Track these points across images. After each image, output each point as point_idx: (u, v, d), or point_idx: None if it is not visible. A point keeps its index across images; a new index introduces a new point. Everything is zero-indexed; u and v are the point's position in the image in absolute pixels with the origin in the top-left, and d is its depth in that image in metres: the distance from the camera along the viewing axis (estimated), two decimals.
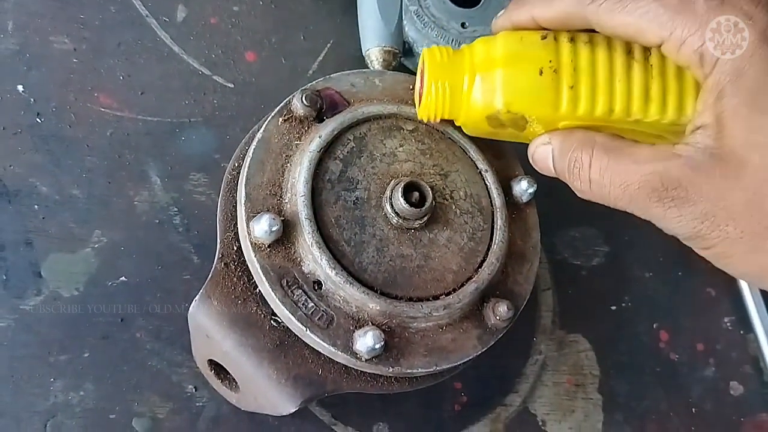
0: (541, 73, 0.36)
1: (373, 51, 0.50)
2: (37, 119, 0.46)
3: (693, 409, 0.52)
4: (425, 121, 0.40)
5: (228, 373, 0.40)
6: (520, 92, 0.36)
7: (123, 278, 0.44)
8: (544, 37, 0.37)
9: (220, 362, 0.39)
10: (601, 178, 0.35)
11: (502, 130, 0.39)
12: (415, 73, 0.51)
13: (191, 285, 0.44)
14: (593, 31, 0.36)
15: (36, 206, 0.44)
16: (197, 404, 0.43)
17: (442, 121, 0.40)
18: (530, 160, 0.39)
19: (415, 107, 0.42)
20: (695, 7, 0.33)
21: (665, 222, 0.34)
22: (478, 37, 0.52)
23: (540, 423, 0.49)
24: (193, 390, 0.43)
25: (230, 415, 0.43)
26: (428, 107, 0.39)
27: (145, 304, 0.44)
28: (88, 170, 0.45)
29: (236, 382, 0.40)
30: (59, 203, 0.44)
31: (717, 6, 0.33)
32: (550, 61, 0.36)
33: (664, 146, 0.35)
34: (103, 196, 0.45)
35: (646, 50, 0.36)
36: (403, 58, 0.52)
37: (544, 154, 0.38)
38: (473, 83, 0.37)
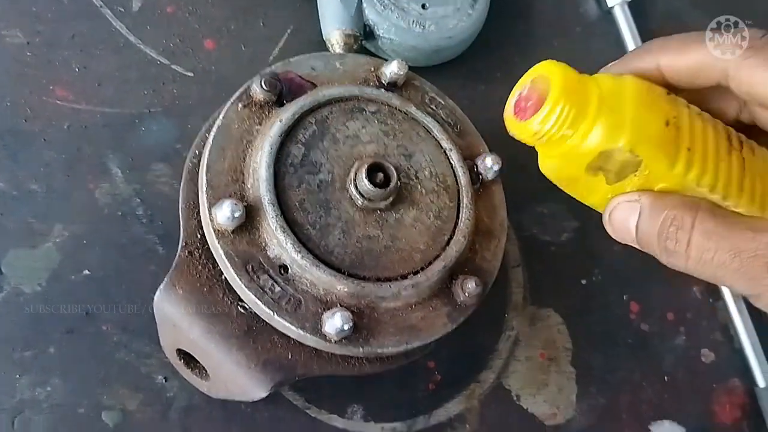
0: (667, 124, 0.34)
1: (334, 34, 0.49)
2: None
3: (666, 378, 0.52)
4: (516, 138, 0.37)
5: (197, 362, 0.40)
6: (647, 136, 0.34)
7: (86, 272, 0.43)
8: (669, 93, 0.35)
9: (188, 351, 0.39)
10: (707, 240, 0.33)
11: (584, 178, 0.36)
12: (376, 56, 0.51)
13: (157, 276, 0.43)
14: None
15: None
16: (168, 395, 0.43)
17: (407, 99, 0.39)
18: (605, 221, 0.37)
19: (375, 90, 0.42)
20: None
21: None
22: (440, 17, 0.53)
23: (515, 398, 0.49)
24: (163, 381, 0.43)
25: (202, 404, 0.43)
26: (545, 122, 0.35)
27: (110, 297, 0.43)
28: (46, 164, 0.45)
29: (206, 371, 0.40)
30: (17, 198, 0.44)
31: None
32: (674, 117, 0.34)
33: None
34: (62, 189, 0.45)
35: (740, 142, 0.35)
36: (364, 41, 0.51)
37: (627, 212, 0.36)
38: (600, 115, 0.34)
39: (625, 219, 0.36)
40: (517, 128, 0.36)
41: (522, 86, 0.37)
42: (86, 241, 0.44)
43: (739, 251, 0.32)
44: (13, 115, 0.45)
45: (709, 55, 0.34)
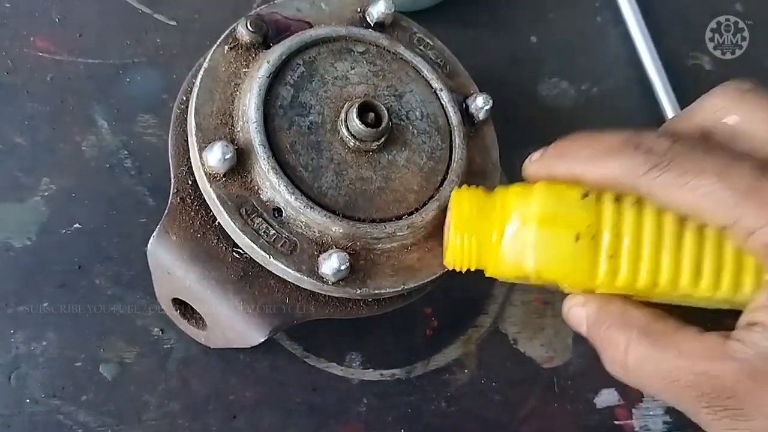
0: (577, 238, 0.32)
1: None
2: None
3: None
4: (450, 268, 0.37)
5: (194, 312, 0.39)
6: (553, 259, 0.33)
7: (77, 225, 0.43)
8: (585, 195, 0.32)
9: (184, 299, 0.38)
10: (639, 367, 0.31)
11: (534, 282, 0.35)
12: None
13: (148, 227, 0.42)
14: None
15: None
16: (165, 346, 0.42)
17: (395, 39, 0.38)
18: (563, 316, 0.36)
19: (362, 30, 0.42)
20: (766, 194, 0.29)
21: (715, 430, 0.30)
22: None
23: (512, 342, 0.49)
24: (160, 332, 0.42)
25: (200, 354, 0.43)
26: (454, 259, 0.36)
27: (101, 250, 0.43)
28: (30, 117, 0.44)
29: (203, 319, 0.39)
30: (3, 152, 0.43)
31: None
32: (589, 226, 0.32)
33: (714, 341, 0.30)
34: (48, 142, 0.44)
35: None
36: None
37: (577, 317, 0.34)
38: (502, 239, 0.34)
39: (578, 324, 0.35)
40: (446, 262, 0.37)
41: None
42: (75, 194, 0.43)
43: (671, 381, 0.31)
44: None
45: (619, 173, 0.31)
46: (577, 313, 0.34)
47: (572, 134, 0.34)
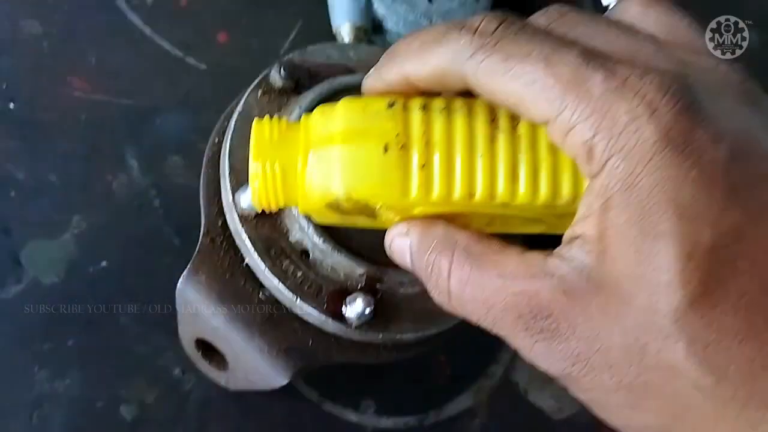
0: (386, 150, 0.29)
1: (344, 27, 0.50)
2: (10, 105, 0.45)
3: None
4: (258, 210, 0.34)
5: (216, 353, 0.39)
6: (361, 175, 0.29)
7: (104, 263, 0.43)
8: (391, 105, 0.30)
9: (209, 340, 0.39)
10: (462, 291, 0.29)
11: (354, 218, 0.31)
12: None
13: (174, 268, 0.42)
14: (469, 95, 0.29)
15: (12, 193, 0.43)
16: (185, 388, 0.43)
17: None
18: (387, 253, 0.33)
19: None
20: (590, 86, 0.25)
21: (532, 355, 0.28)
22: (446, 11, 0.53)
23: (522, 392, 0.49)
24: (180, 373, 0.43)
25: (219, 397, 0.43)
26: (259, 196, 0.32)
27: (127, 289, 0.43)
28: (63, 155, 0.45)
29: (225, 361, 0.39)
30: (36, 189, 0.44)
31: (617, 90, 0.25)
32: (397, 135, 0.29)
33: (534, 257, 0.28)
34: (80, 181, 0.45)
35: (513, 118, 0.29)
36: (372, 34, 0.52)
37: (401, 248, 0.31)
38: (307, 164, 0.30)
39: (402, 255, 0.32)
40: (253, 201, 0.33)
41: None
42: (104, 232, 0.44)
43: (490, 305, 0.28)
44: (31, 105, 0.45)
45: (446, 59, 0.28)
46: (400, 243, 0.31)
47: None
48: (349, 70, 0.43)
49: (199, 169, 0.41)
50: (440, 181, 0.29)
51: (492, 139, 0.29)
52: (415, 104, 0.30)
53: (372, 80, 0.32)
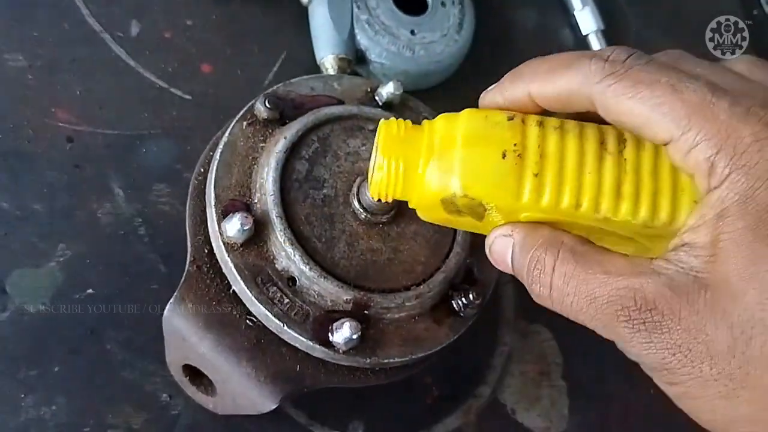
0: (504, 156, 0.32)
1: (328, 59, 0.51)
2: None
3: (651, 390, 0.53)
4: (375, 199, 0.36)
5: (203, 378, 0.40)
6: (480, 176, 0.32)
7: (90, 290, 0.43)
8: (510, 118, 0.33)
9: (196, 365, 0.39)
10: (565, 285, 0.31)
11: (459, 218, 0.34)
12: (367, 78, 0.53)
13: (160, 294, 0.43)
14: (591, 119, 0.33)
15: None
16: (172, 413, 0.43)
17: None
18: (487, 252, 0.35)
19: (373, 109, 0.44)
20: (717, 110, 0.29)
21: (630, 346, 0.30)
22: (428, 43, 0.55)
23: (510, 412, 0.50)
24: (168, 398, 0.43)
25: (207, 421, 0.43)
26: (379, 185, 0.35)
27: (113, 316, 0.43)
28: (48, 185, 0.45)
29: (213, 386, 0.40)
30: (21, 218, 0.44)
31: (742, 115, 0.28)
32: (515, 145, 0.32)
33: (640, 259, 0.31)
34: (65, 209, 0.45)
35: (620, 143, 0.32)
36: (356, 65, 0.53)
37: (503, 247, 0.34)
38: (429, 163, 0.33)
39: (503, 253, 0.34)
40: (371, 190, 0.35)
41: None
42: (89, 260, 0.44)
43: (593, 297, 0.30)
44: (16, 136, 0.46)
45: (575, 82, 0.32)
46: (503, 243, 0.34)
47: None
48: (333, 101, 0.44)
49: (184, 197, 0.41)
50: (551, 189, 0.32)
51: (600, 159, 0.32)
52: (533, 120, 0.33)
53: (492, 95, 0.35)
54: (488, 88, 0.35)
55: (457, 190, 0.32)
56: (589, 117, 0.33)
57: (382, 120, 0.35)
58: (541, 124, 0.33)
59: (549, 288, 0.32)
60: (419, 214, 0.36)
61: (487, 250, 0.35)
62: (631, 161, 0.32)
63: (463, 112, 0.34)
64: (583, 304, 0.31)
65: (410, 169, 0.34)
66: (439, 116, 0.35)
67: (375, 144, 0.35)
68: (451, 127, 0.33)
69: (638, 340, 0.29)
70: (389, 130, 0.35)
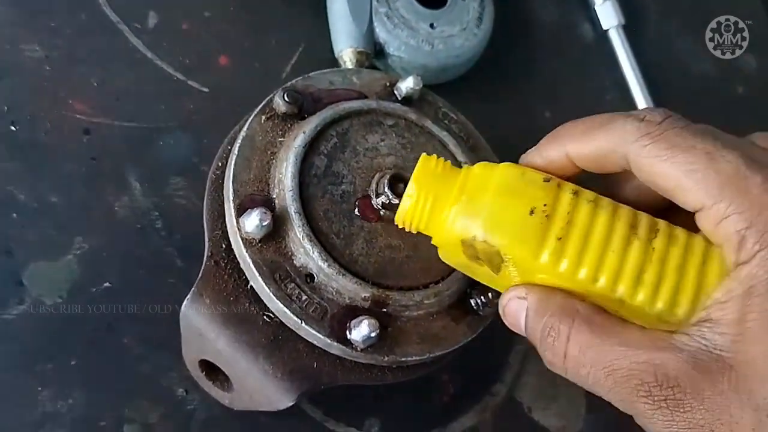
0: (531, 212, 0.32)
1: (346, 52, 0.50)
2: (12, 127, 0.45)
3: None
4: (399, 226, 0.36)
5: (220, 373, 0.40)
6: (503, 224, 0.32)
7: (107, 284, 0.43)
8: (547, 180, 0.33)
9: (213, 361, 0.39)
10: (582, 355, 0.31)
11: (477, 267, 0.35)
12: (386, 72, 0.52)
13: (177, 288, 0.43)
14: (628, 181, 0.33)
15: (14, 214, 0.43)
16: (188, 407, 0.43)
17: (423, 113, 0.39)
18: (500, 312, 0.35)
19: (393, 104, 0.43)
20: (749, 184, 0.29)
21: (650, 423, 0.29)
22: (448, 37, 0.54)
23: (526, 410, 0.50)
24: (184, 393, 0.43)
25: (222, 416, 0.43)
26: (405, 214, 0.35)
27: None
28: (66, 177, 0.45)
29: (229, 382, 0.40)
30: (38, 211, 0.44)
31: None
32: (545, 205, 0.32)
33: (658, 333, 0.30)
34: (82, 202, 0.45)
35: (652, 231, 0.32)
36: (374, 58, 0.52)
37: (517, 309, 0.34)
38: (457, 203, 0.34)
39: (516, 316, 0.34)
40: (397, 217, 0.36)
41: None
42: (106, 253, 0.44)
43: (612, 370, 0.30)
44: (33, 128, 0.45)
45: (611, 141, 0.32)
46: (516, 304, 0.33)
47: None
48: (352, 96, 0.43)
49: (202, 190, 0.41)
50: (571, 256, 0.31)
51: (628, 241, 0.31)
52: (568, 187, 0.33)
53: (531, 156, 0.35)
54: (528, 151, 0.36)
55: (478, 233, 0.33)
56: (626, 178, 0.34)
57: (423, 154, 0.36)
58: (576, 193, 0.33)
59: (563, 357, 0.32)
60: (440, 253, 0.37)
61: (500, 311, 0.35)
62: (659, 252, 0.31)
63: (502, 164, 0.34)
64: (600, 376, 0.30)
65: (439, 206, 0.34)
66: (477, 164, 0.35)
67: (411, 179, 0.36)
68: (487, 175, 0.34)
69: (659, 417, 0.29)
70: (427, 164, 0.35)
